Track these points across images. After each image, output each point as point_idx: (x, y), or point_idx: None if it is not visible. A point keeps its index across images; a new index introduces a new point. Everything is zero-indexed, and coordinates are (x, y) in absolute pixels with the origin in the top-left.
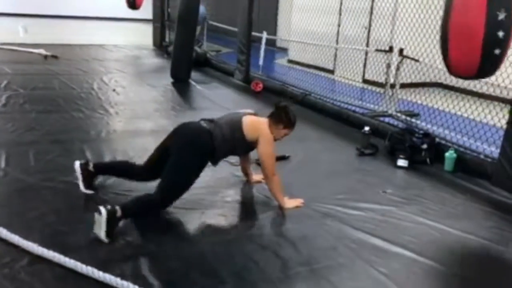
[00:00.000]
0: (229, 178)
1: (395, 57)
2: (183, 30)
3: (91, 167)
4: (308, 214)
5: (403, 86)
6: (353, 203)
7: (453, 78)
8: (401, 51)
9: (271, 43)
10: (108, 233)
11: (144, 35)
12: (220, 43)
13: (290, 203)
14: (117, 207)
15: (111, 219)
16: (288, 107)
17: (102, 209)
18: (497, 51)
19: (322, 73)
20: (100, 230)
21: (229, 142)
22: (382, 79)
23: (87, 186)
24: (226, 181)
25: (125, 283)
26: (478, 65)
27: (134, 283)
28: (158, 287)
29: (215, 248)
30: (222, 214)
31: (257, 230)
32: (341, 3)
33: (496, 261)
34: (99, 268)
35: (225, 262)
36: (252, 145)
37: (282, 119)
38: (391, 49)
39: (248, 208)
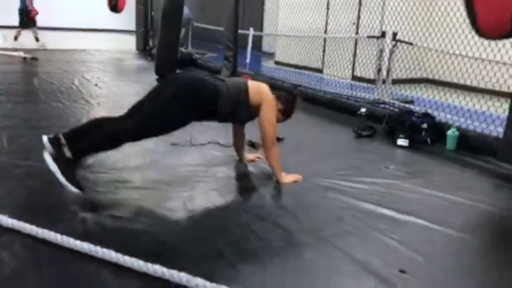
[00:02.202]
0: (220, 157)
1: (388, 42)
2: (168, 26)
3: (62, 140)
4: (308, 187)
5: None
6: (355, 177)
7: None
8: (394, 35)
9: (257, 48)
10: (66, 177)
11: (127, 43)
12: (205, 49)
13: (288, 178)
14: (65, 149)
15: (60, 163)
16: (297, 98)
17: (45, 154)
18: None
19: (311, 73)
20: (60, 178)
21: (233, 101)
22: (372, 75)
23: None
24: (217, 160)
25: (106, 251)
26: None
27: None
28: (146, 257)
29: (208, 220)
30: (215, 189)
31: (254, 202)
32: (328, 1)
33: None
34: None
35: (221, 233)
36: (253, 112)
37: (286, 102)
38: (383, 35)
39: (243, 183)
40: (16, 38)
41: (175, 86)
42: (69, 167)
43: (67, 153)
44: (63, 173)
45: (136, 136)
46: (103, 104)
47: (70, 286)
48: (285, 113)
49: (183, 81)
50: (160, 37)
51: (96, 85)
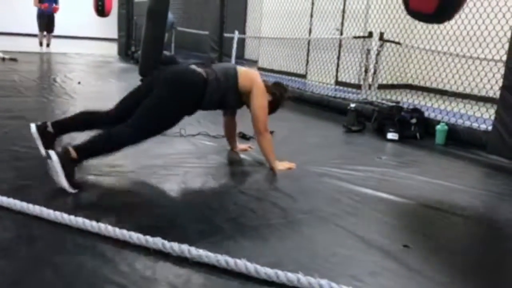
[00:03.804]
0: (212, 146)
1: (375, 41)
2: (153, 25)
3: (49, 128)
4: (303, 174)
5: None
6: (348, 166)
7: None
8: (381, 35)
9: (240, 56)
10: (69, 179)
11: (109, 49)
12: (187, 57)
13: (281, 165)
14: (70, 148)
15: (65, 163)
16: (287, 90)
17: (52, 154)
18: None
19: (294, 78)
20: (59, 178)
21: (222, 88)
22: (355, 80)
23: (46, 147)
24: (209, 149)
25: (102, 225)
26: (437, 2)
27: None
28: (142, 230)
29: (204, 199)
30: (209, 173)
31: (249, 185)
32: (312, 6)
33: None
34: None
35: (218, 210)
36: (242, 98)
37: (275, 94)
38: (370, 35)
39: (237, 168)
40: (41, 43)
41: (163, 83)
42: (72, 169)
43: (73, 153)
44: (67, 176)
45: (137, 139)
46: (88, 99)
47: (66, 259)
48: (272, 105)
49: (170, 76)
50: (144, 36)
51: (79, 83)
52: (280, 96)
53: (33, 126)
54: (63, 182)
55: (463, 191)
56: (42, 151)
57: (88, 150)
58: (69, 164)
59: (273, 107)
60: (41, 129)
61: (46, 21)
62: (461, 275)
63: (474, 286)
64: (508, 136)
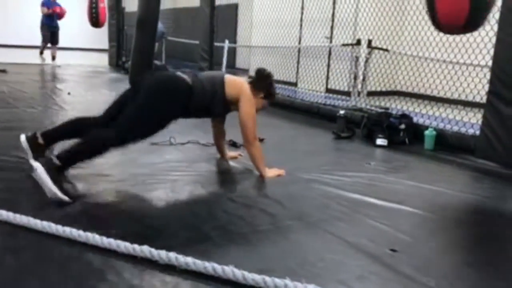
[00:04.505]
0: (201, 154)
1: (363, 48)
2: (143, 34)
3: (40, 139)
4: (292, 180)
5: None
6: (337, 172)
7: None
8: (369, 42)
9: (231, 65)
10: (58, 186)
11: (100, 59)
12: (178, 67)
13: (271, 172)
14: (52, 157)
15: (50, 170)
16: (272, 76)
17: (36, 164)
18: None
19: (285, 86)
20: (48, 186)
21: (208, 96)
22: (345, 88)
23: (37, 158)
24: (198, 157)
25: (89, 234)
26: (467, 14)
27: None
28: (129, 239)
29: (193, 207)
30: (198, 181)
31: (238, 193)
32: (301, 15)
33: (498, 212)
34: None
35: (207, 218)
36: (228, 106)
37: (263, 86)
38: (358, 42)
39: (226, 176)
40: (42, 52)
41: (147, 88)
42: (59, 176)
43: (56, 161)
44: (55, 182)
45: (123, 141)
46: (78, 109)
47: (53, 269)
48: (268, 97)
49: (154, 82)
50: (134, 45)
51: (69, 93)
52: (269, 84)
53: (22, 137)
54: (53, 189)
55: (451, 195)
56: (32, 162)
57: (71, 156)
58: (55, 171)
59: (270, 98)
60: (31, 140)
61: (49, 33)
62: (448, 279)
63: None
64: (495, 140)
